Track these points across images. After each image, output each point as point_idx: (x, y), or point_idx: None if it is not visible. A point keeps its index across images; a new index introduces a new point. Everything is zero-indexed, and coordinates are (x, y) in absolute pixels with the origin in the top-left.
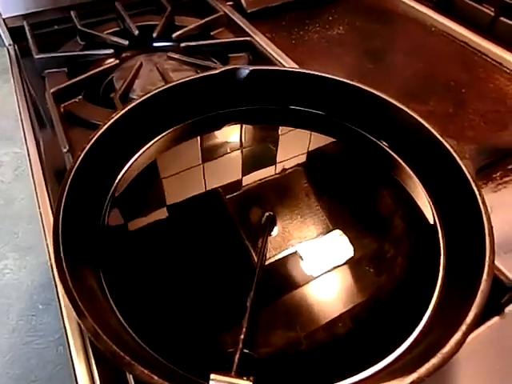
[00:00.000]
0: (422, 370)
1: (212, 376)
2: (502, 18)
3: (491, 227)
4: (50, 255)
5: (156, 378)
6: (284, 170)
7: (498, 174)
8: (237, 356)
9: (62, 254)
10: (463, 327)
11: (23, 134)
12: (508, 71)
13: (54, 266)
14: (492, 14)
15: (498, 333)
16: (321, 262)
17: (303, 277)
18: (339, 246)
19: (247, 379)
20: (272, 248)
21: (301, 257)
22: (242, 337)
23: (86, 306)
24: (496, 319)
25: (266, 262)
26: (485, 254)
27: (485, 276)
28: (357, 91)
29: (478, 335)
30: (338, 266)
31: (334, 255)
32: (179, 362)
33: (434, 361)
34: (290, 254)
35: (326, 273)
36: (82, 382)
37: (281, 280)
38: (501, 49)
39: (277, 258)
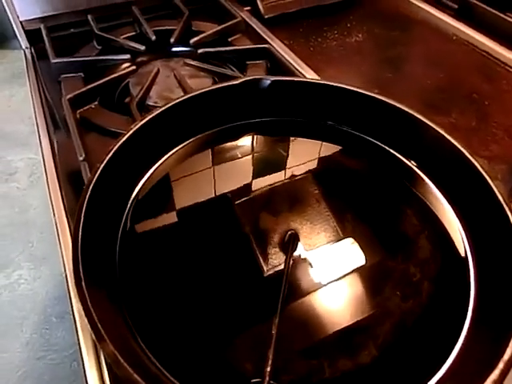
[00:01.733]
0: None
1: None
2: None
3: None
4: (64, 266)
5: None
6: (309, 190)
7: None
8: None
9: (81, 275)
10: (500, 365)
11: (39, 139)
12: None
13: (75, 289)
14: None
15: None
16: (338, 275)
17: (323, 296)
18: (356, 259)
19: None
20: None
21: (312, 265)
22: (269, 369)
23: (105, 330)
24: None
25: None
26: None
27: None
28: (383, 105)
29: None
30: (357, 284)
31: (351, 269)
32: None
33: None
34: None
35: (344, 290)
36: None
37: (300, 299)
38: None
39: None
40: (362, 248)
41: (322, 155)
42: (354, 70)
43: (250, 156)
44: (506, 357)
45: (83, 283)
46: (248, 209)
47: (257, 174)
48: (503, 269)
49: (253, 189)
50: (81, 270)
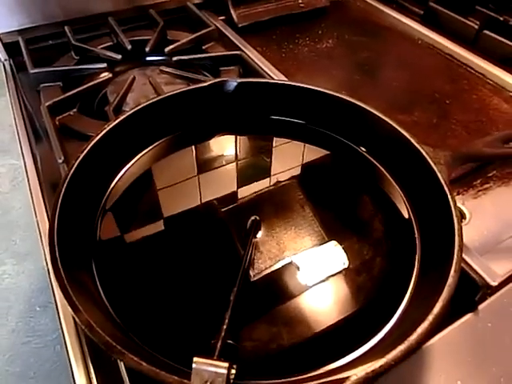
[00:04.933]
0: (390, 356)
1: (195, 359)
2: (485, 31)
3: (460, 227)
4: (46, 260)
5: (144, 364)
6: (271, 180)
7: (479, 181)
8: (219, 343)
9: (57, 255)
10: (430, 317)
11: (19, 146)
12: (491, 83)
13: (51, 267)
14: (476, 27)
15: (472, 328)
16: (307, 267)
17: (292, 282)
18: (328, 254)
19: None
20: (268, 258)
21: (290, 262)
22: (225, 327)
23: (80, 303)
24: (470, 315)
25: (261, 273)
26: (453, 253)
27: (452, 272)
28: (335, 100)
29: (453, 330)
30: (328, 276)
31: (321, 263)
32: (167, 355)
33: (401, 347)
34: (279, 259)
35: (315, 279)
36: (78, 378)
37: (269, 284)
38: (484, 61)
39: (270, 266)
40: (324, 233)
41: (280, 150)
42: (325, 74)
43: (226, 157)
44: (435, 311)
45: (59, 262)
46: (227, 209)
47: (237, 176)
48: (442, 240)
49: (230, 193)
50: (56, 251)
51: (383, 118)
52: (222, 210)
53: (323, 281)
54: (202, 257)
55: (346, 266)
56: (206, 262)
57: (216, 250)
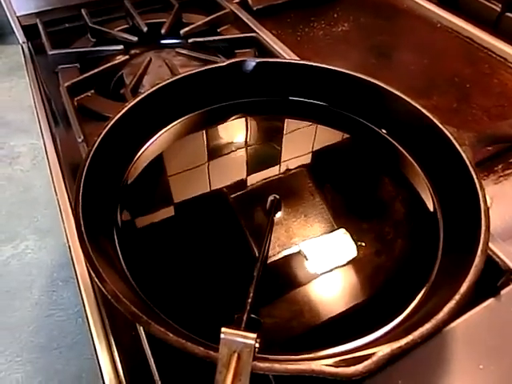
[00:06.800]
0: (416, 333)
1: (223, 329)
2: (508, 14)
3: (487, 208)
4: (67, 237)
5: (171, 334)
6: (285, 162)
7: (500, 166)
8: (245, 316)
9: (83, 229)
10: (456, 296)
11: (39, 126)
12: None
13: (77, 239)
14: (498, 9)
15: (494, 313)
16: (324, 252)
17: (307, 270)
18: (342, 239)
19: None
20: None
21: (303, 252)
22: (250, 301)
23: (105, 273)
24: (492, 300)
25: (270, 260)
26: (480, 234)
27: (479, 253)
28: (357, 81)
29: (475, 314)
30: (350, 258)
31: (338, 246)
32: (190, 328)
33: (427, 326)
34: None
35: (330, 264)
36: (99, 350)
37: (286, 268)
38: (506, 44)
39: (281, 255)
40: (336, 220)
41: (298, 131)
42: (340, 57)
43: (240, 139)
44: (461, 290)
45: (85, 236)
46: (240, 193)
47: (248, 160)
48: (468, 221)
49: (247, 179)
50: (82, 225)
51: (406, 98)
52: (232, 194)
53: (344, 263)
54: (220, 234)
55: (364, 245)
56: (223, 240)
57: (236, 228)
